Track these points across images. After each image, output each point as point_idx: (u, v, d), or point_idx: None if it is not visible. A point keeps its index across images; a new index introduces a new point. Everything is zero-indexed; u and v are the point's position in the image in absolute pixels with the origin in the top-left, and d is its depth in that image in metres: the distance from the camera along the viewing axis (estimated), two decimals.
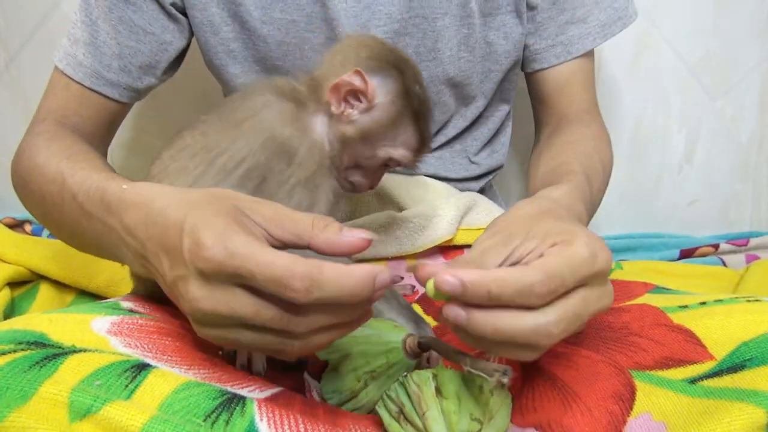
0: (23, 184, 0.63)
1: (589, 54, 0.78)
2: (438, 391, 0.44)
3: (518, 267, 0.40)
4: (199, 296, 0.39)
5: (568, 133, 0.74)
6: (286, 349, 0.40)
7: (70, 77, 0.70)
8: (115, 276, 0.88)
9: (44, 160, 0.59)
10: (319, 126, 0.56)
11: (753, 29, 1.04)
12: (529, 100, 0.83)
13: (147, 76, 0.72)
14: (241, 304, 0.38)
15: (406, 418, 0.44)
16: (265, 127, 0.53)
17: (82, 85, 0.70)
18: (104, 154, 0.68)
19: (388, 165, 0.60)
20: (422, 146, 0.59)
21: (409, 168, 0.62)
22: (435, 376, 0.44)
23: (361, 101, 0.55)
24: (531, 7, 0.74)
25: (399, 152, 0.58)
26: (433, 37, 0.71)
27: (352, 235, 0.40)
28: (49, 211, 0.59)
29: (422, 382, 0.44)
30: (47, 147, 0.61)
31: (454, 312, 0.39)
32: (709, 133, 1.09)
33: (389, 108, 0.55)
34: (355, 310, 0.40)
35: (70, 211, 0.53)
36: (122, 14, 0.69)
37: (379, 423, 0.46)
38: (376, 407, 0.46)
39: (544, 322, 0.38)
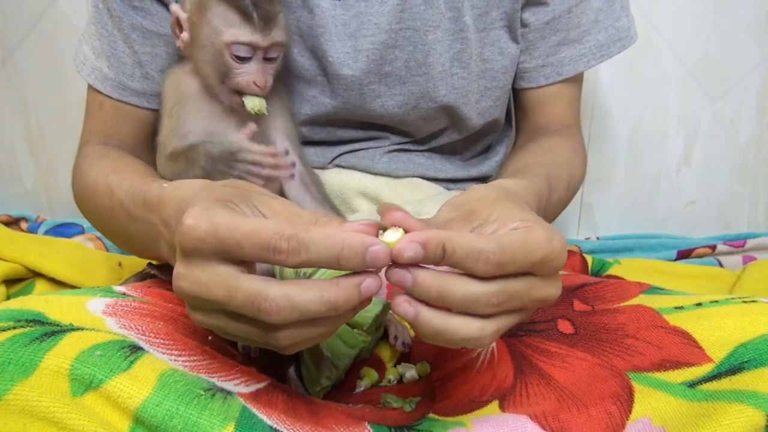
0: (81, 204, 0.68)
1: (578, 74, 0.77)
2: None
3: (473, 234, 0.41)
4: (180, 274, 0.39)
5: (544, 141, 0.74)
6: (270, 342, 0.39)
7: (99, 92, 0.70)
8: (113, 275, 0.88)
9: (93, 178, 0.63)
10: (186, 68, 0.65)
11: (752, 31, 1.04)
12: None
13: None
14: (216, 284, 0.38)
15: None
16: None
17: (111, 98, 0.70)
18: (152, 162, 0.68)
19: (247, 56, 0.60)
20: (248, 17, 0.59)
21: (273, 41, 0.61)
22: None
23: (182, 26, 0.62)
24: (524, 25, 0.73)
25: (229, 34, 0.59)
26: (423, 51, 0.69)
27: (354, 227, 0.39)
28: (106, 224, 0.64)
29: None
30: (95, 166, 0.65)
31: (399, 275, 0.38)
32: (707, 135, 1.09)
33: (192, 8, 0.61)
34: (341, 291, 0.37)
35: (120, 218, 0.58)
36: (133, 21, 0.68)
37: (362, 420, 0.46)
38: None
39: (486, 291, 0.38)
